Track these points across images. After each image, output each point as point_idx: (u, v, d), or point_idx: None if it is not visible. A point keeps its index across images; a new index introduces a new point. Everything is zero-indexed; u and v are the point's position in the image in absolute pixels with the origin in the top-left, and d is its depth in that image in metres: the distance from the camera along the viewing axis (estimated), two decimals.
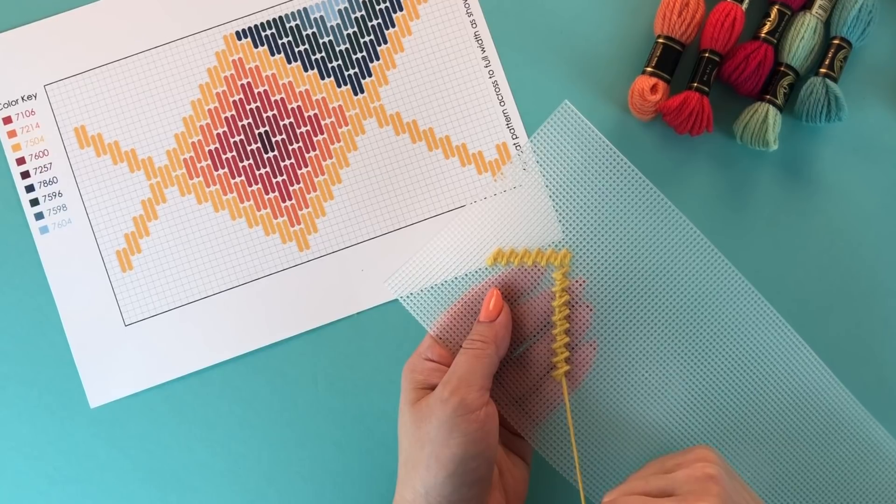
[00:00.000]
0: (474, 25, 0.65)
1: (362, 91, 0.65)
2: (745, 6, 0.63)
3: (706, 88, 0.62)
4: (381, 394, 0.63)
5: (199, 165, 0.64)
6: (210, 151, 0.64)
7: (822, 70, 0.62)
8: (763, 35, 0.63)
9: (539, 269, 0.57)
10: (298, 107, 0.64)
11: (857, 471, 0.57)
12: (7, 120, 0.64)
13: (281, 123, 0.64)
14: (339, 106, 0.65)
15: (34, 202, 0.64)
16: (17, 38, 0.65)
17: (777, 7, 0.63)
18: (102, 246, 0.64)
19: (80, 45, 0.65)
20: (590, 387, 0.57)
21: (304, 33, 0.65)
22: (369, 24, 0.65)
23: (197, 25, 0.65)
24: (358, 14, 0.65)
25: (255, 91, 0.65)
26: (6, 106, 0.64)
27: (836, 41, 0.63)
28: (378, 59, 0.65)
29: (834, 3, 0.63)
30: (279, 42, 0.65)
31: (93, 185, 0.64)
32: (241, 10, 0.65)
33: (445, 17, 0.65)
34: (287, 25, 0.65)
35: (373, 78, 0.65)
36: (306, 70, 0.65)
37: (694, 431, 0.57)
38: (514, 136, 0.64)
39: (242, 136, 0.64)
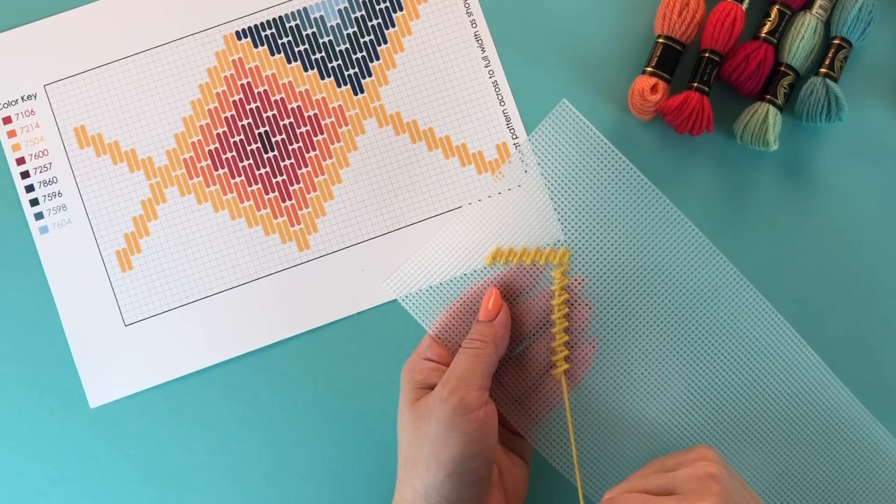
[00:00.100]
0: (474, 25, 0.65)
1: (362, 91, 0.65)
2: (745, 6, 0.63)
3: (706, 88, 0.62)
4: (381, 394, 0.63)
5: (199, 165, 0.64)
6: (210, 151, 0.64)
7: (823, 70, 0.62)
8: (763, 35, 0.63)
9: (538, 268, 0.57)
10: (298, 107, 0.64)
11: (857, 470, 0.57)
12: (7, 120, 0.64)
13: (281, 123, 0.64)
14: (339, 106, 0.65)
15: (34, 202, 0.64)
16: (17, 38, 0.65)
17: (777, 7, 0.63)
18: (102, 246, 0.64)
19: (80, 45, 0.65)
20: (589, 385, 0.57)
21: (304, 33, 0.65)
22: (369, 24, 0.65)
23: (197, 25, 0.65)
24: (358, 14, 0.65)
25: (255, 91, 0.65)
26: (6, 106, 0.65)
27: (836, 41, 0.63)
28: (378, 58, 0.65)
29: (834, 2, 0.63)
30: (279, 42, 0.65)
31: (93, 185, 0.64)
32: (241, 10, 0.65)
33: (445, 17, 0.65)
34: (287, 25, 0.65)
35: (373, 78, 0.65)
36: (306, 70, 0.65)
37: (694, 430, 0.57)
38: (514, 136, 0.64)
39: (242, 136, 0.64)
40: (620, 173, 0.56)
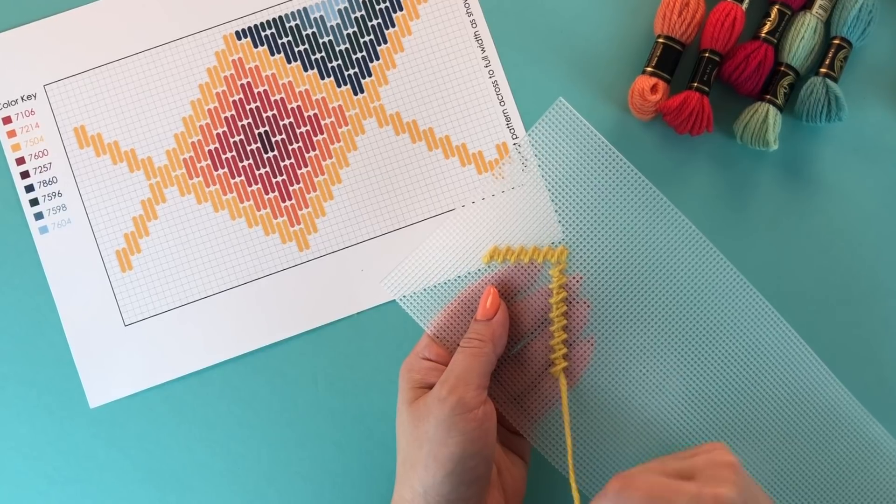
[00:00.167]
0: (474, 25, 0.65)
1: (362, 91, 0.65)
2: (745, 6, 0.63)
3: (706, 88, 0.62)
4: (381, 394, 0.63)
5: (198, 165, 0.64)
6: (210, 151, 0.64)
7: (823, 70, 0.62)
8: (763, 35, 0.63)
9: (535, 267, 0.57)
10: (298, 107, 0.65)
11: (855, 469, 0.57)
12: (7, 120, 0.64)
13: (281, 123, 0.64)
14: (339, 106, 0.65)
15: (34, 202, 0.64)
16: (17, 38, 0.65)
17: (777, 7, 0.63)
18: (102, 246, 0.64)
19: (80, 45, 0.65)
20: (588, 383, 0.57)
21: (303, 33, 0.65)
22: (369, 24, 0.65)
23: (197, 25, 0.65)
24: (358, 14, 0.65)
25: (255, 91, 0.65)
26: (6, 106, 0.65)
27: (836, 41, 0.63)
28: (378, 58, 0.65)
29: (834, 2, 0.63)
30: (279, 42, 0.65)
31: (92, 185, 0.64)
32: (240, 10, 0.65)
33: (445, 16, 0.65)
34: (287, 25, 0.65)
35: (373, 78, 0.65)
36: (306, 70, 0.65)
37: (693, 429, 0.57)
38: (514, 136, 0.64)
39: (242, 136, 0.64)
40: (618, 172, 0.56)
